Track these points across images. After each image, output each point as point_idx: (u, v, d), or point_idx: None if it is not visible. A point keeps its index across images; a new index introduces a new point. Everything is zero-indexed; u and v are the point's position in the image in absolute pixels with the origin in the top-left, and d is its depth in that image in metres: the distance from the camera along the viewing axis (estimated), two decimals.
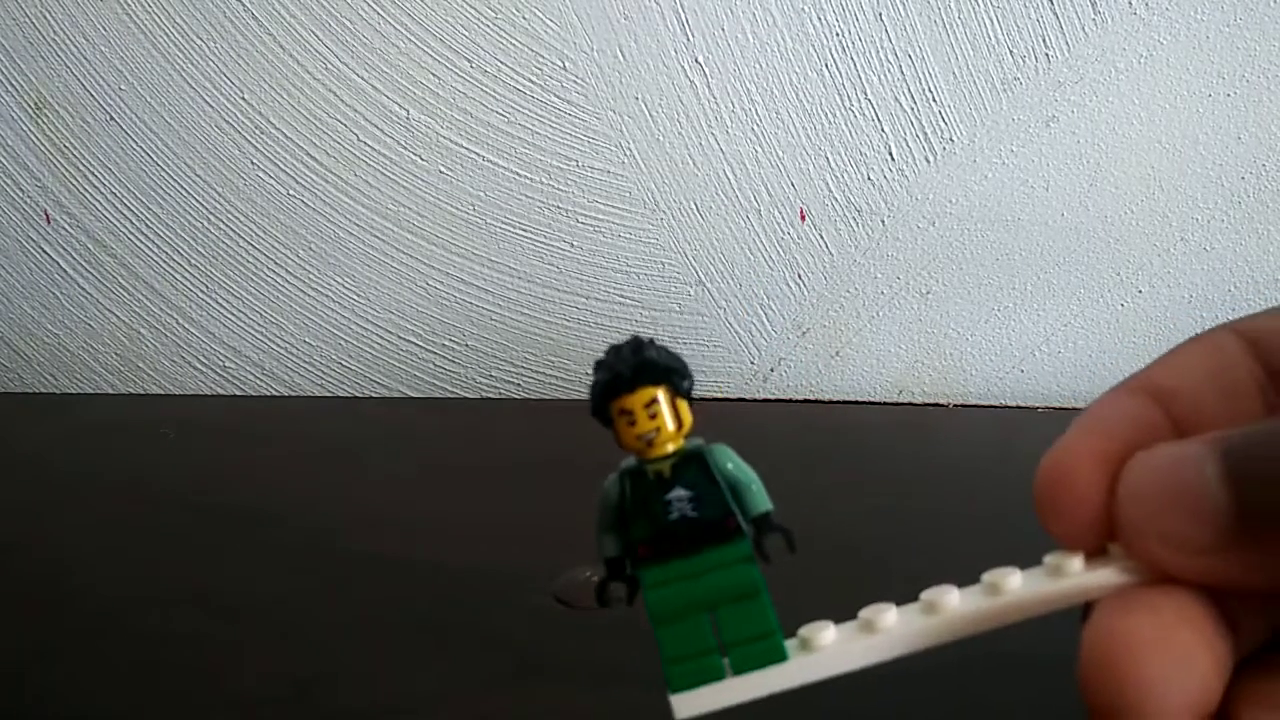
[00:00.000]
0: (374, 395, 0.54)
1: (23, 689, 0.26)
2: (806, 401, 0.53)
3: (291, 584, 0.32)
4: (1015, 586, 0.18)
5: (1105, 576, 0.17)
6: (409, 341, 0.54)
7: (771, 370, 0.53)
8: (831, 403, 0.52)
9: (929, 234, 0.50)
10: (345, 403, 0.54)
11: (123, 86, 0.52)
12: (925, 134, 0.49)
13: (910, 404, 0.52)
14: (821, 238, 0.51)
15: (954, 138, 0.49)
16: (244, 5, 0.50)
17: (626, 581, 0.19)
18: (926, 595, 0.18)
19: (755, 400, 0.53)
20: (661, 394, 0.18)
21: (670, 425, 0.18)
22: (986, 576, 0.18)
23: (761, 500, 0.19)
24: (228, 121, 0.52)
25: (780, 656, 0.19)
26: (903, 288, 0.51)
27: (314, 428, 0.49)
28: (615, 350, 0.19)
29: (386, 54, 0.50)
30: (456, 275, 0.53)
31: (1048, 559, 0.18)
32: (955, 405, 0.52)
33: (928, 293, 0.51)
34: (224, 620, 0.30)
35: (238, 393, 0.55)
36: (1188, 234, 0.49)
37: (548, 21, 0.49)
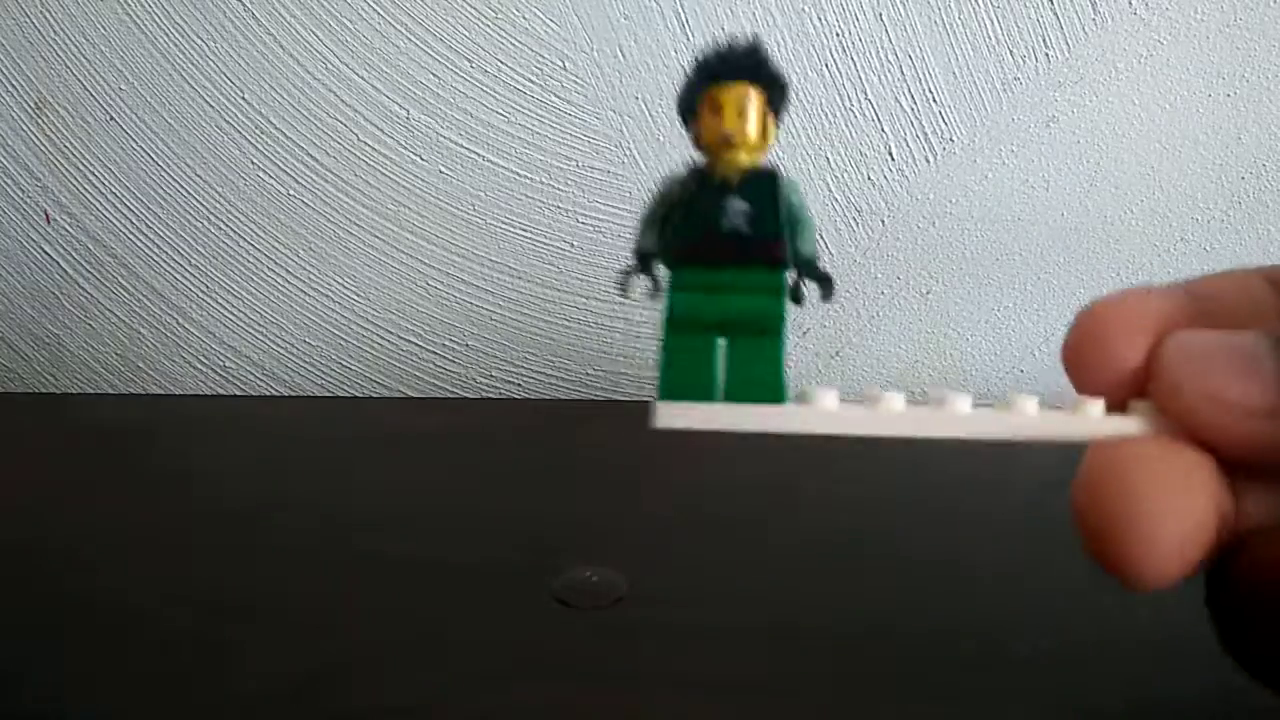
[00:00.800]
0: (374, 395, 0.54)
1: (23, 689, 0.26)
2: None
3: (291, 584, 0.32)
4: (1031, 409, 0.18)
5: (1127, 425, 0.17)
6: (409, 341, 0.54)
7: None
8: None
9: (929, 234, 0.50)
10: (345, 403, 0.54)
11: (123, 86, 0.52)
12: (925, 134, 0.49)
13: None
14: (821, 238, 0.51)
15: (954, 138, 0.49)
16: (244, 5, 0.50)
17: (651, 277, 0.18)
18: (935, 393, 0.18)
19: None
20: (759, 97, 0.18)
21: (755, 133, 0.18)
22: (1002, 399, 0.18)
23: (811, 246, 0.18)
24: (228, 121, 0.52)
25: (777, 397, 0.18)
26: (903, 288, 0.51)
27: (314, 428, 0.49)
28: (727, 43, 0.18)
29: (386, 54, 0.50)
30: (456, 275, 0.53)
31: (1068, 399, 0.18)
32: None
33: (928, 293, 0.51)
34: (224, 620, 0.30)
35: (238, 393, 0.55)
36: (1188, 234, 0.49)
37: (548, 21, 0.49)
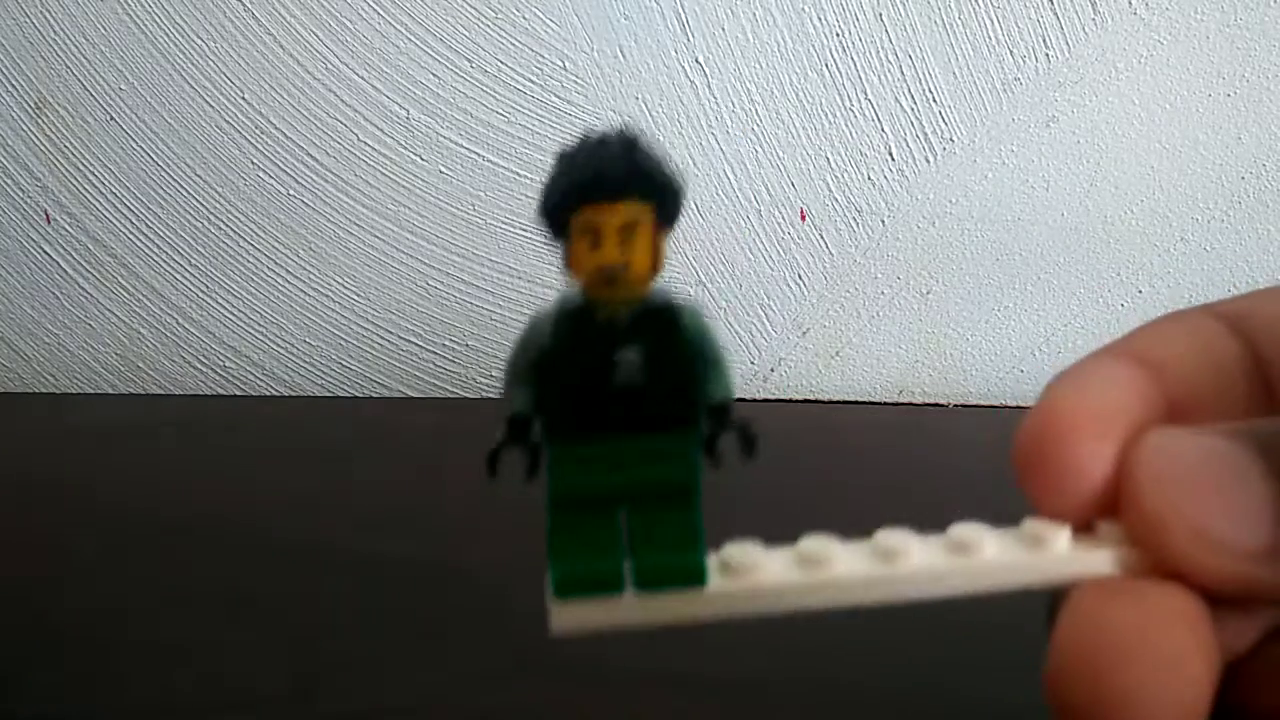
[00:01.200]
0: (374, 395, 0.54)
1: (23, 689, 0.26)
2: (806, 401, 0.53)
3: (291, 583, 0.32)
4: (989, 551, 0.15)
5: (1098, 561, 0.15)
6: (409, 341, 0.54)
7: (772, 370, 0.53)
8: (831, 403, 0.52)
9: (929, 234, 0.50)
10: (345, 403, 0.54)
11: (123, 86, 0.52)
12: (925, 134, 0.49)
13: (910, 404, 0.52)
14: (821, 238, 0.51)
15: (954, 138, 0.49)
16: (244, 5, 0.50)
17: (529, 450, 0.15)
18: (880, 538, 0.15)
19: (755, 400, 0.53)
20: (647, 215, 0.14)
21: (645, 263, 0.14)
22: (954, 531, 0.15)
23: (726, 386, 0.15)
24: (228, 121, 0.52)
25: (697, 580, 0.15)
26: (903, 288, 0.51)
27: (314, 428, 0.49)
28: (598, 142, 0.14)
29: (386, 54, 0.50)
30: (456, 275, 0.53)
31: (1027, 524, 0.16)
32: (955, 405, 0.52)
33: (928, 293, 0.51)
34: (223, 620, 0.30)
35: (238, 393, 0.55)
36: (1188, 234, 0.49)
37: (548, 21, 0.49)
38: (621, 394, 0.14)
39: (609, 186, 0.13)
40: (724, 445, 0.15)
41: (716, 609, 0.15)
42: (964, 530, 0.15)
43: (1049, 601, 0.17)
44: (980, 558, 0.15)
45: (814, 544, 0.15)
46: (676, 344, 0.14)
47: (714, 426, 0.15)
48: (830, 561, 0.15)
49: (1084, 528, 0.16)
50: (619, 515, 0.15)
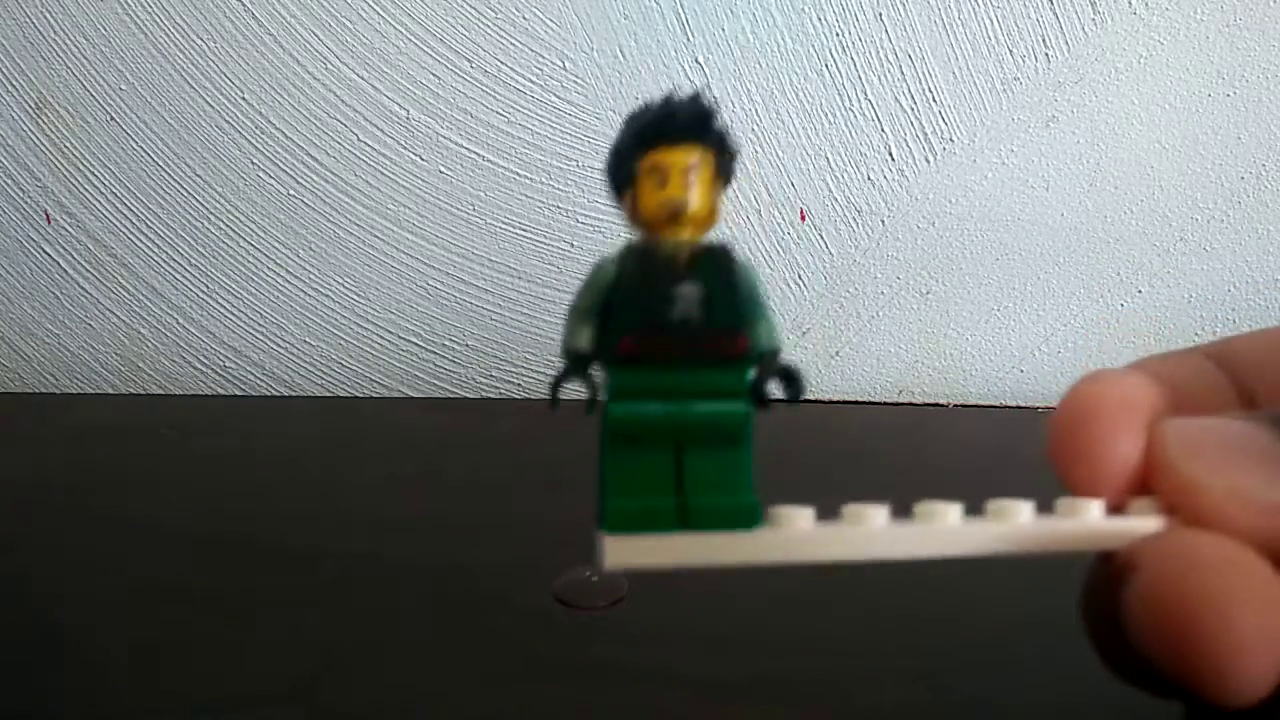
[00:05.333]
0: (374, 395, 0.54)
1: (23, 689, 0.26)
2: (806, 401, 0.53)
3: (290, 583, 0.32)
4: (1025, 517, 0.16)
5: (1146, 524, 0.16)
6: (409, 341, 0.54)
7: None
8: (831, 403, 0.52)
9: (929, 234, 0.50)
10: (345, 403, 0.54)
11: (123, 86, 0.52)
12: (925, 134, 0.49)
13: (910, 404, 0.52)
14: (821, 238, 0.51)
15: (954, 138, 0.49)
16: (244, 5, 0.50)
17: (589, 385, 0.15)
18: (921, 508, 0.16)
19: None
20: (707, 162, 0.15)
21: (705, 204, 0.15)
22: (991, 505, 0.16)
23: (774, 337, 0.15)
24: (228, 121, 0.52)
25: (748, 522, 0.15)
26: (903, 288, 0.51)
27: (314, 428, 0.49)
28: (668, 95, 0.15)
29: (386, 54, 0.50)
30: (456, 275, 0.53)
31: (1061, 501, 0.16)
32: (955, 405, 0.52)
33: (928, 293, 0.51)
34: (223, 620, 0.30)
35: (238, 393, 0.55)
36: (1188, 234, 0.49)
37: (548, 21, 0.49)
38: (680, 325, 0.15)
39: (679, 125, 0.15)
40: (773, 390, 0.16)
41: (761, 553, 0.16)
42: (1000, 503, 0.16)
43: (1079, 598, 0.18)
44: (1018, 522, 0.16)
45: (857, 508, 0.16)
46: (732, 283, 0.15)
47: (763, 372, 0.15)
48: (867, 518, 0.16)
49: (1116, 508, 0.17)
50: (673, 455, 0.15)
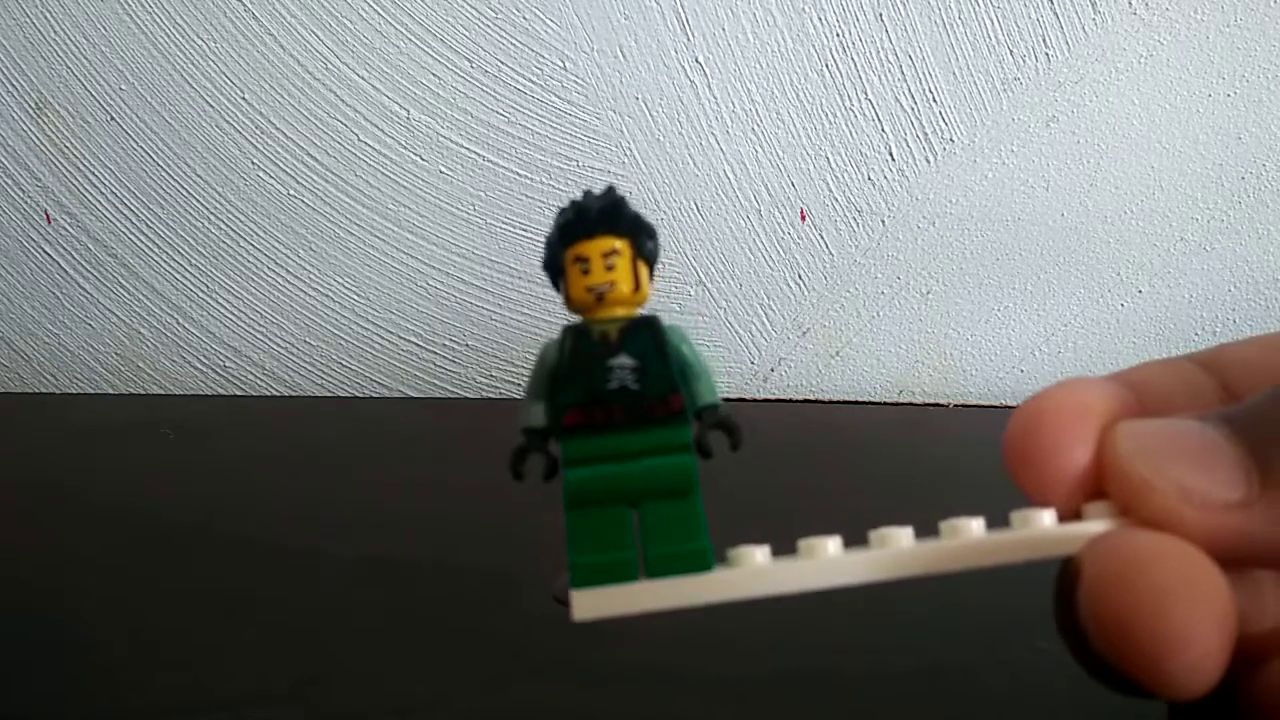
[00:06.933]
0: (374, 395, 0.54)
1: (23, 689, 0.26)
2: (806, 401, 0.53)
3: (290, 583, 0.32)
4: (976, 532, 0.17)
5: (1094, 527, 0.16)
6: (409, 341, 0.54)
7: (772, 370, 0.53)
8: (831, 403, 0.52)
9: (929, 234, 0.50)
10: (345, 403, 0.54)
11: (123, 86, 0.52)
12: (925, 134, 0.49)
13: (910, 404, 0.52)
14: (821, 238, 0.51)
15: (954, 138, 0.49)
16: (244, 5, 0.50)
17: (546, 455, 0.17)
18: (875, 534, 0.17)
19: (755, 400, 0.53)
20: (624, 248, 0.17)
21: (627, 285, 0.17)
22: (944, 524, 0.17)
23: (711, 392, 0.17)
24: (228, 121, 0.52)
25: (704, 565, 0.17)
26: (903, 288, 0.51)
27: (314, 428, 0.49)
28: (583, 195, 0.17)
29: (386, 54, 0.50)
30: (456, 275, 0.53)
31: (1015, 515, 0.17)
32: (955, 405, 0.52)
33: (928, 293, 0.51)
34: (222, 620, 0.30)
35: (238, 393, 0.55)
36: (1188, 234, 0.49)
37: (548, 21, 0.49)
38: (618, 394, 0.17)
39: (591, 221, 0.17)
40: (714, 443, 0.17)
41: (720, 592, 0.17)
42: (953, 521, 0.17)
43: (1053, 595, 0.17)
44: (969, 539, 0.17)
45: (810, 540, 0.17)
46: (662, 350, 0.17)
47: (703, 427, 0.17)
48: (820, 549, 0.17)
49: (1072, 515, 0.17)
50: (629, 511, 0.17)
